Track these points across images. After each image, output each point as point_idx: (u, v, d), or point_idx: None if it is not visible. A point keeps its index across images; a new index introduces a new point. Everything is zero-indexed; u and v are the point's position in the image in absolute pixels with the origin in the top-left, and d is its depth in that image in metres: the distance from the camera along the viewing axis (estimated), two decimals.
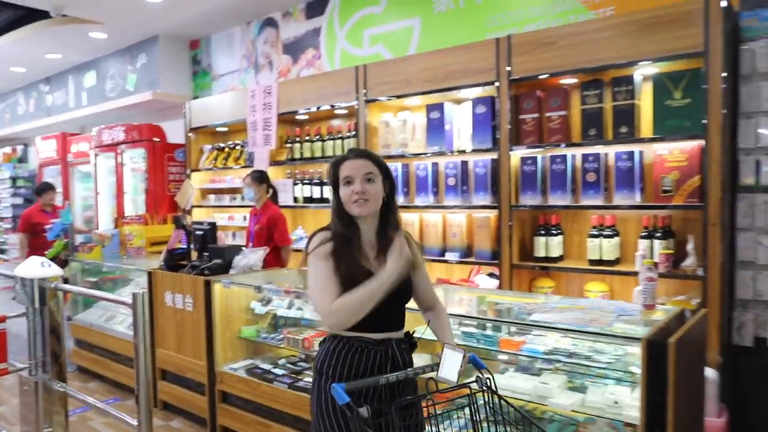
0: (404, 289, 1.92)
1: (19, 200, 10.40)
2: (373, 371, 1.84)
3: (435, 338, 2.01)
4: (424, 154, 4.20)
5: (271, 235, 4.47)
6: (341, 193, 1.89)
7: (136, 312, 2.32)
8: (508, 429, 1.77)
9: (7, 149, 11.04)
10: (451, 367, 1.77)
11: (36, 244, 5.79)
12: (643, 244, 3.31)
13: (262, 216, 4.53)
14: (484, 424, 1.81)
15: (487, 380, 1.80)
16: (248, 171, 5.39)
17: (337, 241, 1.87)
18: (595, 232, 3.47)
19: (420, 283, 2.01)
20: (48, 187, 6.30)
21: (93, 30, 6.76)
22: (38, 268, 2.95)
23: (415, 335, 2.00)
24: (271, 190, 4.64)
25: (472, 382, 1.82)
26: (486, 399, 1.79)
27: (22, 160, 11.04)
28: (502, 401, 1.78)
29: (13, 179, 10.57)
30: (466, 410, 1.81)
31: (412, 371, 1.82)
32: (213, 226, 4.10)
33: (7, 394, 4.25)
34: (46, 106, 9.49)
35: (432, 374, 1.82)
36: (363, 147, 4.46)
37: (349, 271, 1.82)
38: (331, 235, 1.89)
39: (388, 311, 1.88)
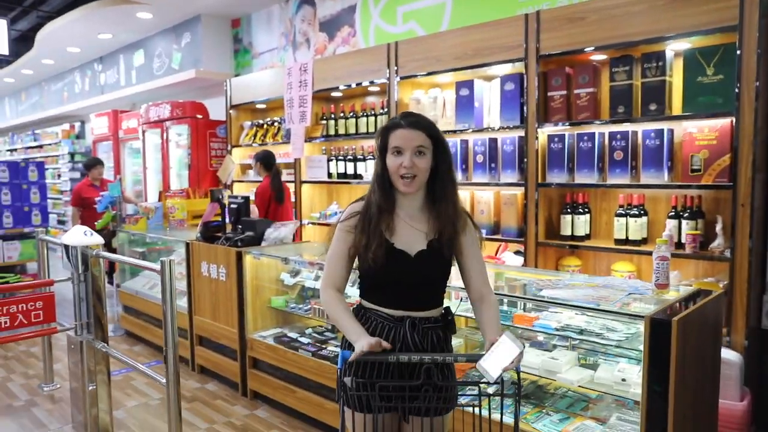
0: (437, 269, 1.83)
1: (77, 174, 10.95)
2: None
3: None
4: (454, 131, 4.21)
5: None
6: (389, 162, 1.79)
7: (164, 278, 2.48)
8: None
9: (66, 126, 11.60)
10: (499, 359, 1.52)
11: (87, 216, 6.15)
12: (670, 224, 3.25)
13: None
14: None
15: (517, 387, 1.63)
16: (285, 147, 5.55)
17: (365, 214, 1.83)
18: (622, 212, 3.43)
19: (469, 270, 1.87)
20: (96, 162, 6.64)
21: (140, 10, 7.00)
22: (81, 236, 3.17)
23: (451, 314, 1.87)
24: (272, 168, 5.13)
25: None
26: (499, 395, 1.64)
27: (80, 136, 11.58)
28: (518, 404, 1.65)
29: (72, 155, 11.13)
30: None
31: (429, 358, 1.64)
32: (246, 200, 4.26)
33: (61, 352, 4.58)
34: (99, 84, 9.91)
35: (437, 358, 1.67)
36: None
37: (368, 245, 1.78)
38: (363, 207, 1.85)
39: (412, 290, 1.82)
